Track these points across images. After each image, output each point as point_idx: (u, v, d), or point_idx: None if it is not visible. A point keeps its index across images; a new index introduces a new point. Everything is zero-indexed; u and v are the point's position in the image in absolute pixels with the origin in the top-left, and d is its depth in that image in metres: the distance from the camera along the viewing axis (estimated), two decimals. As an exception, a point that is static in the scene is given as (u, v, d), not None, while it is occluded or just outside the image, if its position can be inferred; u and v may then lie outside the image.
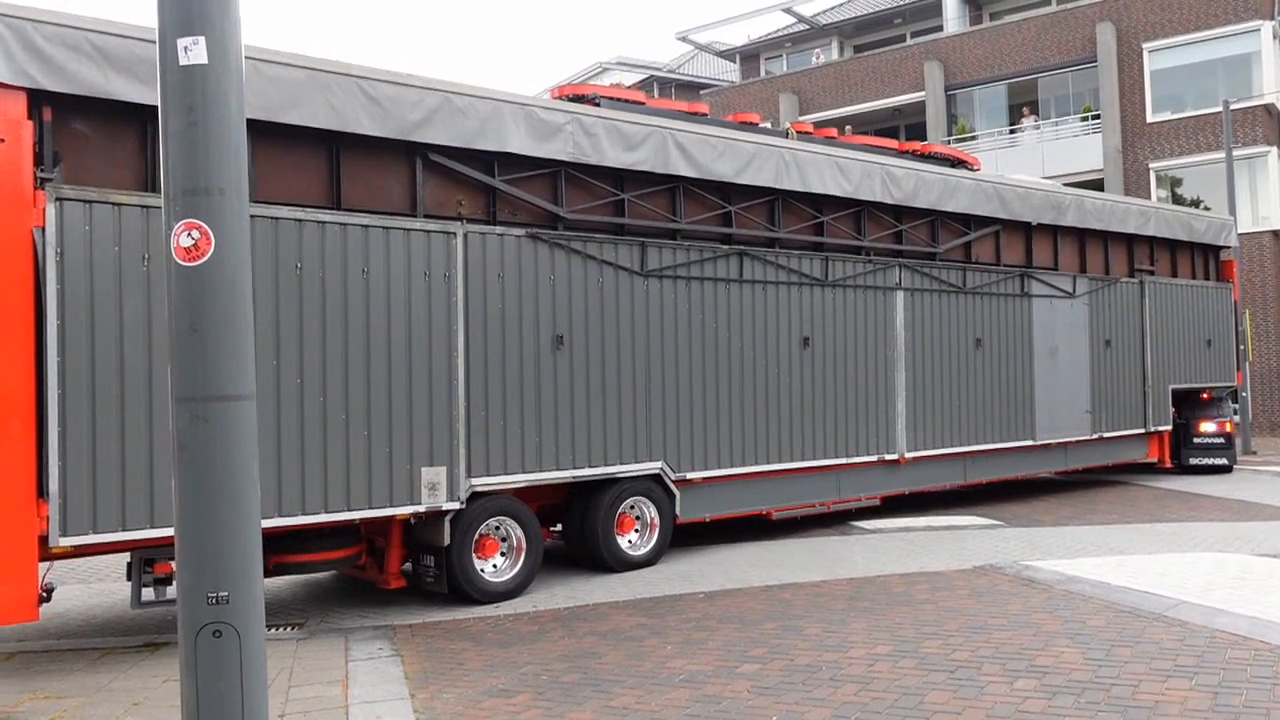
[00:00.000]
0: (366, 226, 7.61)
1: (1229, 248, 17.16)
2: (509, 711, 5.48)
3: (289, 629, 7.66)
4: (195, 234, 3.35)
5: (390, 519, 7.87)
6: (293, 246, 7.27)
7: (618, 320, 9.11)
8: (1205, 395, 16.75)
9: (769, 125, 11.93)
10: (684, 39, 40.45)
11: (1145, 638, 6.39)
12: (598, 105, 9.56)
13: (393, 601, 8.44)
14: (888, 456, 11.40)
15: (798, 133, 11.43)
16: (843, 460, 10.93)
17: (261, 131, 7.14)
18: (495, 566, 8.41)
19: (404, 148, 7.96)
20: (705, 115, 10.76)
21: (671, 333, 9.50)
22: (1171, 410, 15.55)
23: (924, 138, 28.40)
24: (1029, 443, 13.11)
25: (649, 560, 9.40)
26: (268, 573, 7.59)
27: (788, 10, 37.35)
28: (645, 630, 7.15)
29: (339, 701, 5.78)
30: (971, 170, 13.25)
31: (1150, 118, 27.82)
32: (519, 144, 8.39)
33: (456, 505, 8.00)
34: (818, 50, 37.72)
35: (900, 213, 11.74)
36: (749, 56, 39.93)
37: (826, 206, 10.99)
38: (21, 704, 5.89)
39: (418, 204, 8.04)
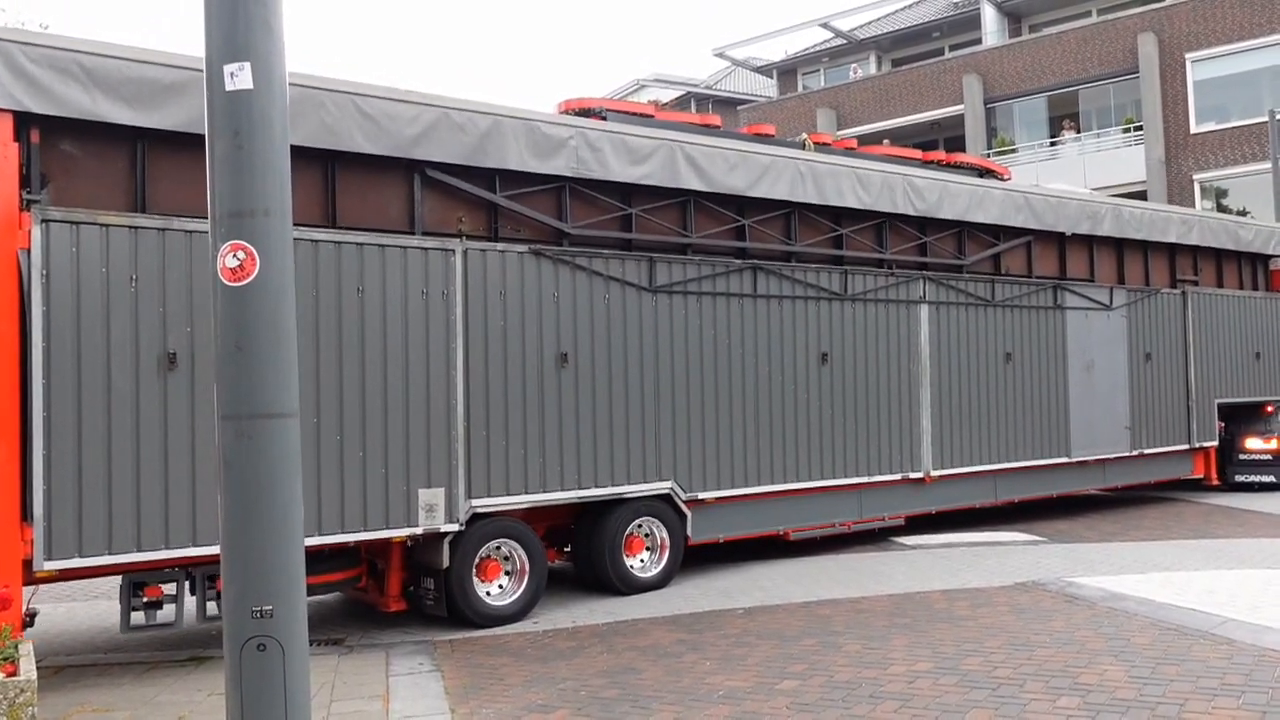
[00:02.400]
0: (361, 245, 7.49)
1: (1278, 257, 16.54)
2: (548, 727, 5.50)
3: (331, 644, 7.74)
4: (241, 255, 3.43)
5: (389, 541, 7.75)
6: None
7: (625, 337, 8.93)
8: (1268, 408, 16.32)
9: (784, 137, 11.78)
10: (721, 55, 40.58)
11: (1191, 656, 6.29)
12: (604, 119, 9.43)
13: (435, 618, 8.49)
14: (913, 475, 11.09)
15: (815, 144, 11.22)
16: (864, 479, 10.63)
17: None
18: (500, 589, 8.25)
19: (401, 164, 7.86)
20: (718, 128, 10.58)
21: (682, 349, 9.30)
22: (1219, 425, 15.00)
23: (963, 151, 28.19)
24: (1064, 459, 12.69)
25: (659, 583, 9.18)
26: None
27: (825, 25, 37.35)
28: (684, 646, 7.15)
29: (380, 716, 5.83)
30: (1001, 180, 12.94)
31: (1194, 129, 27.46)
32: (520, 159, 8.26)
33: (456, 527, 7.83)
34: (855, 65, 37.66)
35: (924, 224, 11.46)
36: (786, 72, 39.96)
37: (845, 219, 10.74)
38: (70, 716, 6.00)
39: (416, 221, 7.93)
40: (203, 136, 7.17)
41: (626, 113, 9.84)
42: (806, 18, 37.41)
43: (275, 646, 3.36)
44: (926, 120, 31.76)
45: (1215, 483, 15.29)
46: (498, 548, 8.25)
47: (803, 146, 11.05)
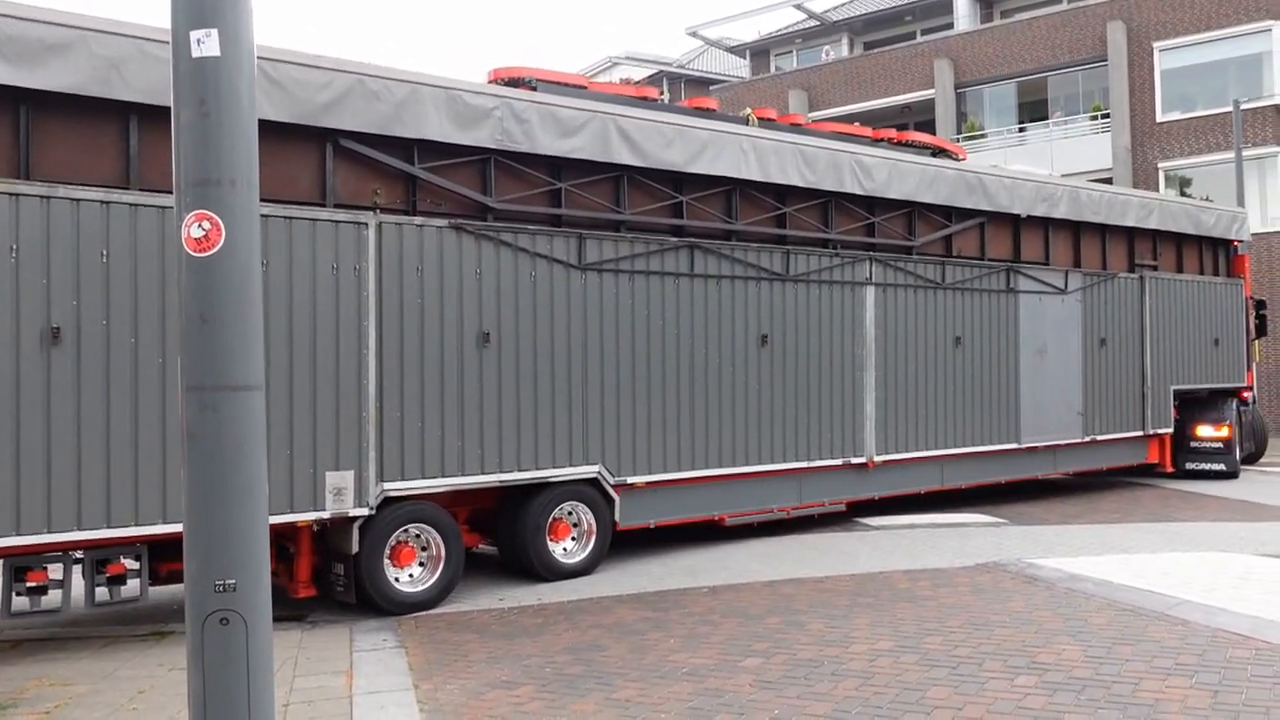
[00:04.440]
0: (266, 216, 7.04)
1: (1241, 242, 16.40)
2: (512, 703, 5.51)
3: (295, 620, 7.69)
4: (206, 225, 3.39)
5: (295, 525, 7.41)
6: None
7: (552, 316, 8.61)
8: (1243, 395, 16.26)
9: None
10: (694, 34, 40.42)
11: (1147, 636, 6.40)
12: (533, 89, 9.08)
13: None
14: (855, 460, 10.87)
15: (759, 119, 10.88)
16: (804, 464, 10.41)
17: (147, 116, 6.76)
18: (412, 576, 7.96)
19: (312, 133, 7.49)
20: (655, 101, 10.25)
21: (613, 330, 8.99)
22: (1174, 412, 14.89)
23: (934, 135, 28.32)
24: (1014, 445, 12.53)
25: (584, 569, 8.91)
26: (161, 580, 7.25)
27: (798, 6, 37.25)
28: (649, 624, 7.18)
29: (343, 692, 5.82)
30: (955, 160, 12.64)
31: (1160, 117, 27.67)
32: (440, 130, 7.92)
33: (366, 511, 7.53)
34: (828, 47, 37.63)
35: (873, 204, 11.17)
36: (759, 52, 39.86)
37: (790, 197, 10.43)
38: (27, 690, 5.94)
39: (327, 193, 7.58)
40: (93, 99, 6.70)
41: (558, 83, 9.49)
42: (780, -1, 37.24)
43: (238, 621, 3.33)
44: (898, 104, 31.78)
45: (1169, 470, 15.24)
46: (414, 533, 7.96)
47: (746, 122, 10.72)
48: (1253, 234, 20.73)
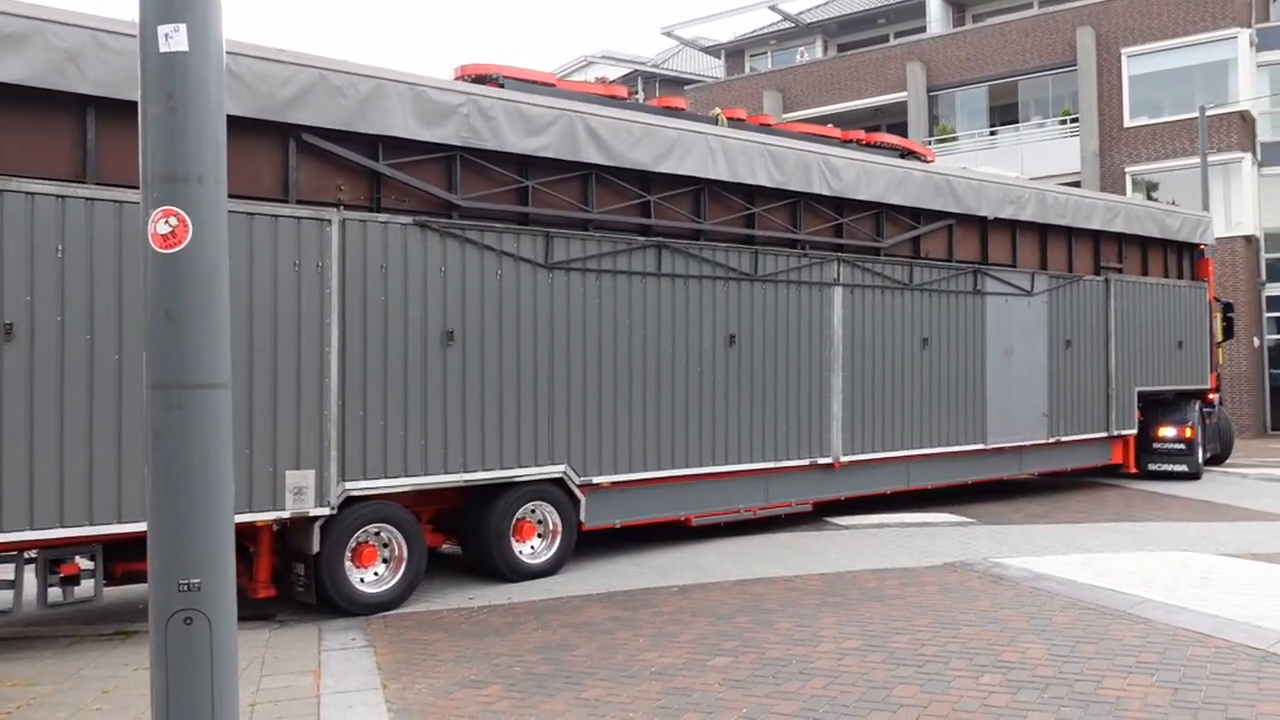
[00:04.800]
0: (228, 212, 7.03)
1: (1206, 245, 16.54)
2: (480, 702, 5.51)
3: (262, 619, 7.64)
4: (173, 221, 3.37)
5: (255, 525, 7.28)
6: (140, 233, 6.82)
7: (518, 315, 8.53)
8: (1210, 396, 16.44)
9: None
10: (669, 34, 40.48)
11: (1109, 635, 6.48)
12: (501, 86, 9.00)
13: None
14: (821, 460, 10.85)
15: (728, 119, 10.84)
16: (771, 464, 10.40)
17: (105, 109, 6.64)
18: (375, 576, 7.86)
19: (274, 128, 7.37)
20: (624, 99, 10.19)
21: (579, 329, 8.92)
22: (1138, 414, 14.97)
23: (906, 137, 28.53)
24: (980, 446, 12.57)
25: (549, 569, 8.83)
26: (117, 580, 7.13)
27: (773, 8, 37.40)
28: (618, 623, 7.19)
29: (310, 691, 5.79)
30: (924, 161, 12.66)
31: (1128, 122, 27.98)
32: (406, 126, 7.83)
33: (327, 511, 7.43)
34: (802, 48, 37.80)
35: (841, 205, 11.15)
36: (734, 53, 39.97)
37: (758, 198, 10.41)
38: (-9, 690, 5.87)
39: (290, 189, 7.46)
40: (49, 92, 6.51)
41: (525, 81, 9.40)
42: (755, 0, 37.38)
43: (202, 620, 3.31)
44: (871, 106, 31.96)
45: (1133, 470, 15.34)
46: (375, 533, 7.86)
47: (715, 122, 10.69)
48: (1217, 238, 21.01)
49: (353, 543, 7.73)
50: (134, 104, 6.20)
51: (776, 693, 5.50)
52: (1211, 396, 17.01)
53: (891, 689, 5.49)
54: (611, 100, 10.00)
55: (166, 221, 3.37)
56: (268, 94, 7.18)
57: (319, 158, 7.67)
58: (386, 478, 7.79)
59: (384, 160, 7.92)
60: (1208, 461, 17.44)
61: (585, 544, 9.87)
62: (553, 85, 9.70)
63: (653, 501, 9.61)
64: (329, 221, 7.53)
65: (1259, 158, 28.07)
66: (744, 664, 6.06)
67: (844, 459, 11.07)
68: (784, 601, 7.69)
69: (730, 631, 6.83)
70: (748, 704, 5.33)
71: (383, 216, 7.86)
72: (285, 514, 7.28)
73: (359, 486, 7.63)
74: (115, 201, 6.62)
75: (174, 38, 3.35)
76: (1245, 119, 27.02)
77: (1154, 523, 11.56)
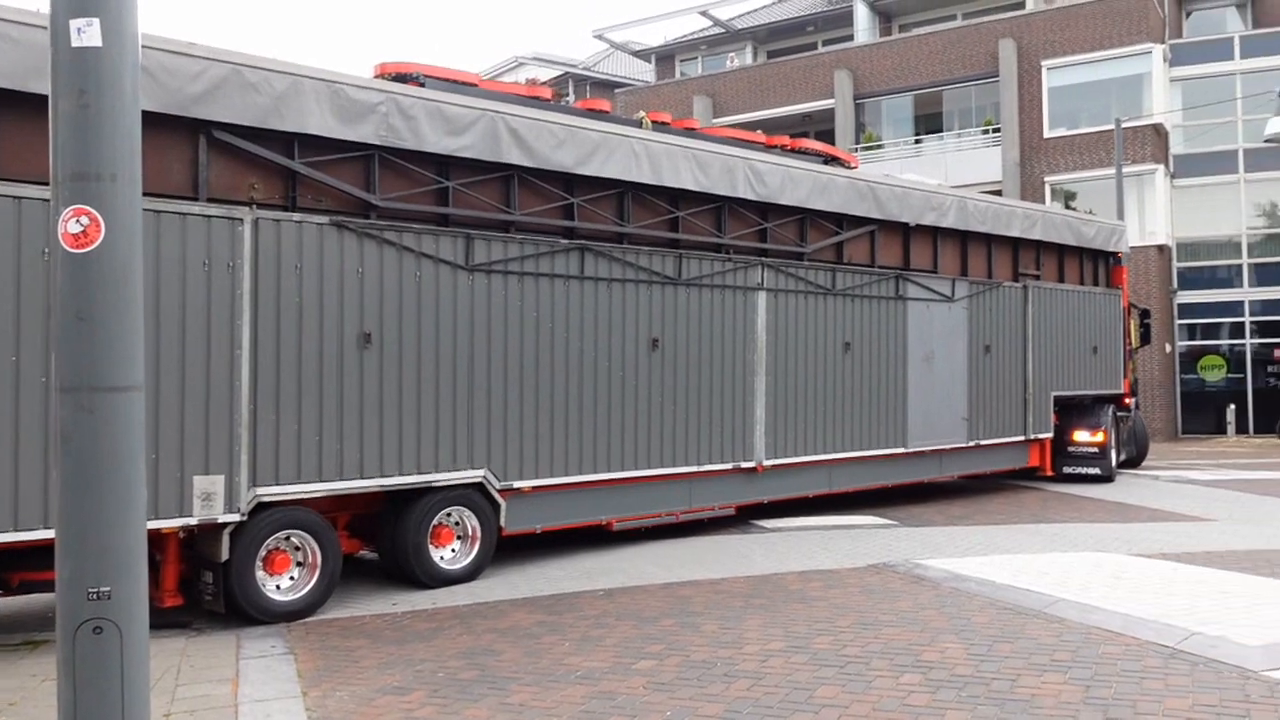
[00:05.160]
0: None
1: (1120, 254, 17.01)
2: (403, 709, 5.44)
3: (178, 627, 7.45)
4: (84, 220, 3.28)
5: (161, 532, 7.01)
6: (39, 229, 6.37)
7: (438, 318, 8.37)
8: (1126, 401, 16.88)
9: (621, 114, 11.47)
10: (600, 37, 40.50)
11: (1025, 634, 6.62)
12: (421, 85, 8.86)
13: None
14: (744, 464, 10.86)
15: (653, 123, 10.81)
16: (694, 469, 10.38)
17: (4, 101, 6.37)
18: (288, 583, 7.64)
19: (184, 124, 7.13)
20: (548, 101, 10.09)
21: (500, 331, 8.79)
22: (1054, 418, 15.26)
23: (833, 145, 28.94)
24: (901, 450, 12.71)
25: (468, 575, 8.68)
26: (13, 590, 6.85)
27: (704, 13, 37.64)
28: (544, 628, 7.16)
29: (228, 700, 5.67)
30: (848, 168, 12.76)
31: (1047, 133, 28.70)
32: (322, 124, 7.64)
33: (236, 517, 7.20)
34: (732, 54, 38.09)
35: (766, 210, 11.17)
36: (664, 57, 40.14)
37: (683, 202, 10.37)
38: (-110, 703, 5.65)
39: (200, 186, 7.22)
40: None
41: (447, 80, 9.27)
42: (686, 5, 37.60)
43: (113, 629, 3.22)
44: (799, 112, 32.33)
45: (1050, 473, 15.62)
46: (288, 539, 7.64)
47: (640, 125, 10.65)
48: (1131, 247, 21.64)
49: (264, 550, 7.51)
50: (37, 96, 6.10)
51: (701, 695, 5.53)
52: (1128, 401, 17.47)
53: (814, 690, 5.55)
54: (535, 101, 9.90)
55: (78, 221, 3.28)
56: (177, 89, 6.94)
57: (231, 155, 7.44)
58: (300, 483, 7.58)
59: (300, 159, 7.72)
60: (1125, 464, 17.91)
61: (511, 548, 9.82)
62: (475, 85, 9.56)
63: (575, 506, 9.52)
64: (241, 221, 7.31)
65: (1172, 169, 29.02)
66: (669, 667, 6.08)
67: (767, 463, 11.10)
68: (710, 604, 7.73)
69: (656, 634, 6.84)
70: (672, 706, 5.35)
71: (298, 216, 7.65)
72: (193, 521, 7.04)
73: (271, 492, 7.42)
74: (14, 197, 6.35)
75: (87, 32, 3.26)
76: (1159, 132, 27.91)
77: (1069, 524, 11.84)
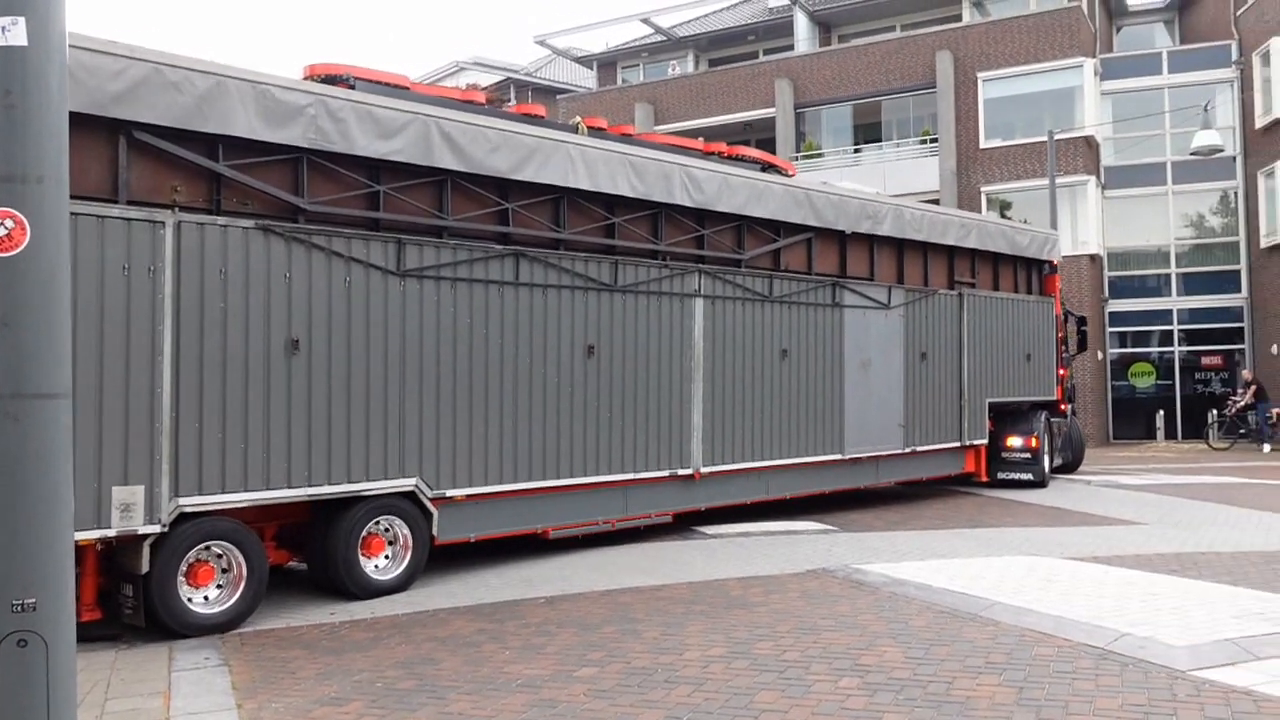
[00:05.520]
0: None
1: (1053, 262, 17.25)
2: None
3: (109, 639, 7.26)
4: (9, 223, 3.20)
5: (81, 544, 6.75)
6: None
7: (368, 323, 8.20)
8: (1063, 407, 17.03)
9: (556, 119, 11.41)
10: (542, 43, 40.40)
11: (961, 637, 6.72)
12: (352, 87, 8.71)
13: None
14: (681, 472, 10.80)
15: (589, 128, 10.77)
16: (630, 476, 10.30)
17: None
18: (213, 595, 7.42)
19: (103, 124, 6.92)
20: (482, 105, 9.98)
21: (433, 338, 8.65)
22: (989, 424, 15.41)
23: (774, 153, 29.16)
24: (838, 456, 12.74)
25: (399, 585, 8.50)
26: None
27: (646, 21, 37.73)
28: (485, 636, 7.11)
29: (159, 714, 5.55)
30: (785, 175, 12.77)
31: (983, 143, 29.20)
32: (248, 126, 7.45)
33: (157, 529, 6.98)
34: (674, 62, 38.24)
35: (703, 217, 11.16)
36: (606, 64, 40.16)
37: (619, 208, 10.32)
38: None
39: (120, 188, 7.02)
40: None
41: (378, 83, 9.13)
42: (628, 12, 37.82)
43: (38, 642, 3.14)
44: (740, 120, 32.55)
45: (985, 479, 15.76)
46: (214, 551, 7.43)
47: (576, 130, 10.57)
48: (1064, 256, 22.11)
49: (186, 561, 7.28)
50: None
51: (642, 701, 5.53)
52: (1064, 407, 17.79)
53: (754, 695, 5.58)
54: (469, 105, 9.76)
55: (3, 224, 3.20)
56: (96, 87, 6.73)
57: (153, 156, 7.23)
58: (224, 493, 7.37)
59: (225, 161, 7.53)
60: (1061, 469, 18.24)
61: (452, 556, 9.73)
62: (407, 88, 9.41)
63: (509, 514, 9.39)
64: (163, 224, 7.09)
65: (1102, 181, 29.71)
66: (610, 674, 6.08)
67: (704, 470, 11.05)
68: (651, 611, 7.74)
69: (597, 642, 6.83)
70: (613, 713, 5.34)
71: (222, 219, 7.45)
72: (111, 533, 6.80)
73: (193, 502, 7.20)
74: None
75: (12, 31, 3.19)
76: (1090, 144, 28.55)
77: (1005, 528, 12.03)
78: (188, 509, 7.18)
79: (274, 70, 8.11)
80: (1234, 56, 29.39)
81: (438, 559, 9.65)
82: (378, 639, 7.11)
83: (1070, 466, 18.62)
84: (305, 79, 8.74)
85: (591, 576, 9.11)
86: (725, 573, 9.19)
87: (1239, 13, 29.68)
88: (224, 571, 7.53)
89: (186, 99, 7.17)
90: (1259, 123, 28.26)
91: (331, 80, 8.84)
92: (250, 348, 7.52)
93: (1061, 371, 17.82)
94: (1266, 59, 27.69)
